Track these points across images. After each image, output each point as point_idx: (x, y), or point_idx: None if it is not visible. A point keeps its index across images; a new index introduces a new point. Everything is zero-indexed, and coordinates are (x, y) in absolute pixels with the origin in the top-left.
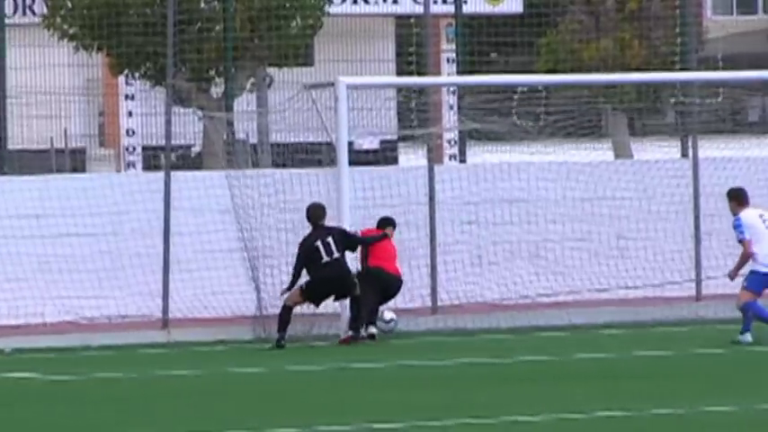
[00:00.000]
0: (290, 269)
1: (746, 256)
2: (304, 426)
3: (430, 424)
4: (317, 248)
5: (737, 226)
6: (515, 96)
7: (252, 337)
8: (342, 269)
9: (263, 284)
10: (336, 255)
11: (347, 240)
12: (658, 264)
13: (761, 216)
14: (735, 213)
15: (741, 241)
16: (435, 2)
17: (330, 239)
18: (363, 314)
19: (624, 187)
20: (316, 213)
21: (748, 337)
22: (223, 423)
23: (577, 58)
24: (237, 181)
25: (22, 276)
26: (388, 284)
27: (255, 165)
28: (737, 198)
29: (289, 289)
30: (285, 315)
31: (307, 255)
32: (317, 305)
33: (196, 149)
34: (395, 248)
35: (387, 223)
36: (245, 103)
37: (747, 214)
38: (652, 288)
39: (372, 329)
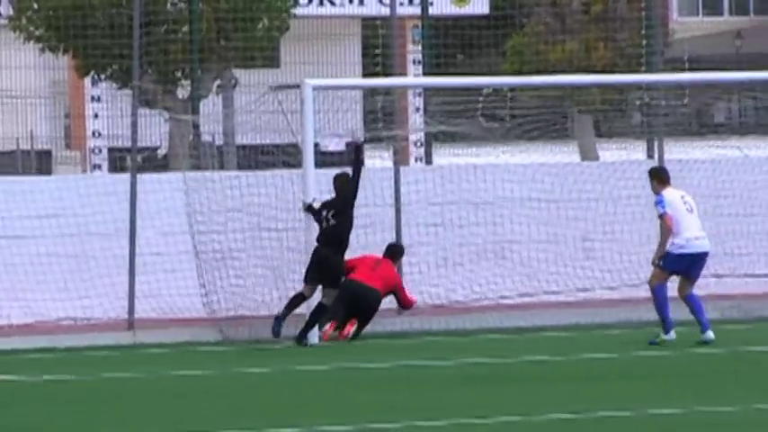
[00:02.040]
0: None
1: (668, 232)
2: (270, 426)
3: (381, 426)
4: (323, 216)
5: (659, 202)
6: (481, 98)
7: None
8: (335, 237)
9: (229, 286)
10: (333, 222)
11: (345, 198)
12: (624, 265)
13: (682, 197)
14: (656, 192)
15: (662, 216)
16: (401, 3)
17: (333, 210)
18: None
19: (590, 189)
20: (340, 181)
21: (710, 334)
22: (189, 424)
23: (543, 59)
24: (198, 183)
25: None
26: (360, 298)
27: (221, 166)
28: (659, 177)
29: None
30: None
31: (315, 215)
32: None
33: (162, 151)
34: (391, 273)
35: (394, 251)
36: (211, 104)
37: (669, 193)
38: (618, 289)
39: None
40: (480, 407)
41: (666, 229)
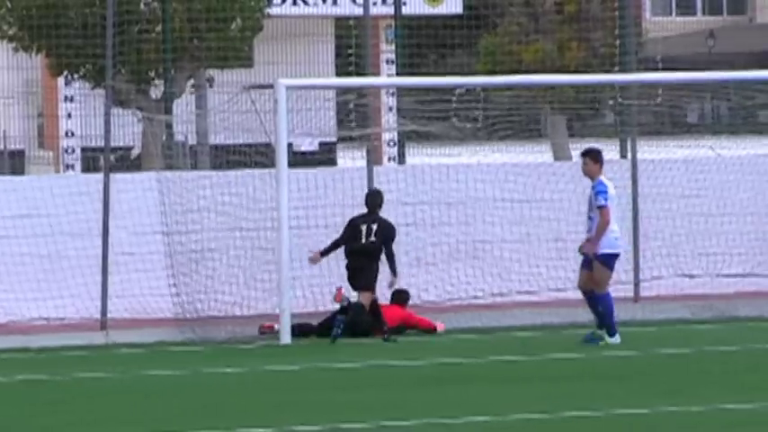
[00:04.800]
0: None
1: (606, 226)
2: (242, 426)
3: (352, 426)
4: (360, 230)
5: (602, 192)
6: (454, 98)
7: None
8: (373, 250)
9: (202, 286)
10: (373, 239)
11: (387, 232)
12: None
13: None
14: (594, 176)
15: (602, 208)
16: (375, 3)
17: (375, 226)
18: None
19: (562, 189)
20: (374, 200)
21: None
22: (161, 424)
23: (517, 59)
24: (172, 183)
25: None
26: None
27: (194, 166)
28: (600, 160)
29: (323, 253)
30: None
31: (349, 232)
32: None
33: (136, 151)
34: (395, 314)
35: (399, 297)
36: (184, 104)
37: (609, 183)
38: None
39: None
40: (450, 407)
41: (605, 223)
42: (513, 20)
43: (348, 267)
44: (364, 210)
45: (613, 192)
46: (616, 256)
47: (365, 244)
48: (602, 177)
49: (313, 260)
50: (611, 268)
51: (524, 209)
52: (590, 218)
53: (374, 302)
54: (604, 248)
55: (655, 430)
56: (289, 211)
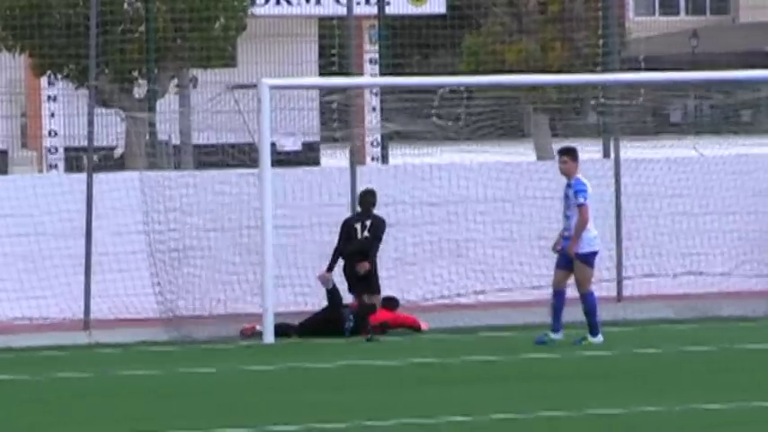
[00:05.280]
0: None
1: (585, 224)
2: (225, 426)
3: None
4: (355, 228)
5: (582, 191)
6: (437, 98)
7: (171, 338)
8: (367, 247)
9: (185, 285)
10: (366, 234)
11: (376, 228)
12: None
13: None
14: (571, 174)
15: (582, 206)
16: (358, 3)
17: (368, 223)
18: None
19: (545, 187)
20: (367, 200)
21: (559, 336)
22: (144, 423)
23: (500, 59)
24: (154, 182)
25: None
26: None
27: (178, 166)
28: (577, 158)
29: (329, 268)
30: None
31: (345, 233)
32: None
33: (119, 151)
34: (381, 316)
35: (389, 303)
36: (167, 104)
37: (587, 182)
38: (572, 288)
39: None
40: (432, 407)
41: (585, 221)
42: (497, 20)
43: (346, 271)
44: (347, 209)
45: (591, 190)
46: (596, 253)
47: (359, 240)
48: (580, 176)
49: (324, 279)
50: (591, 266)
51: (507, 208)
52: (567, 216)
53: (362, 303)
54: (584, 247)
55: (636, 430)
56: (272, 210)
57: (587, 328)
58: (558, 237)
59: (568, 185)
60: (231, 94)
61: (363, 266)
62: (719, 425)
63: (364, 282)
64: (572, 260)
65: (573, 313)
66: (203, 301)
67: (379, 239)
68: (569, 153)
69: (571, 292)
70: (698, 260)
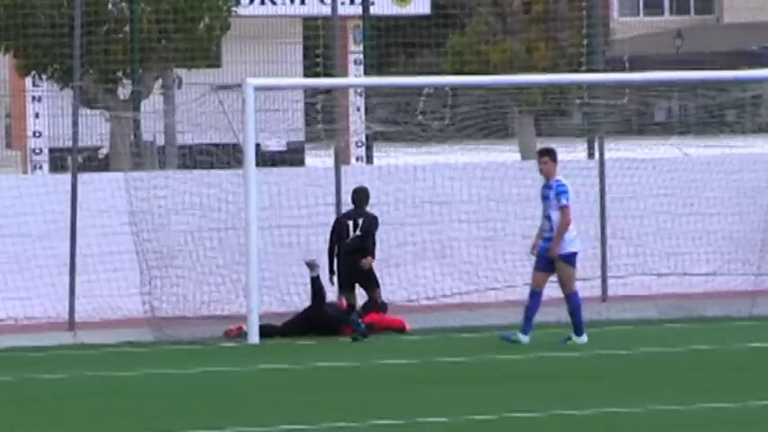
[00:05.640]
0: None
1: (567, 226)
2: (208, 428)
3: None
4: (347, 226)
5: (564, 192)
6: (422, 98)
7: (156, 339)
8: (360, 246)
9: (170, 286)
10: (359, 233)
11: (368, 224)
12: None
13: None
14: (551, 174)
15: (564, 208)
16: (343, 3)
17: (360, 221)
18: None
19: (530, 187)
20: (359, 197)
21: (525, 339)
22: (129, 424)
23: (484, 59)
24: (139, 183)
25: None
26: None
27: (162, 166)
28: (557, 159)
29: (330, 270)
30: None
31: (337, 230)
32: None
33: (104, 151)
34: (371, 316)
35: (378, 308)
36: (152, 104)
37: (567, 182)
38: (557, 288)
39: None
40: (417, 407)
41: (567, 223)
42: (481, 20)
43: (340, 270)
44: (333, 209)
45: (572, 191)
46: (576, 253)
47: (352, 239)
48: (560, 177)
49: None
50: (574, 266)
51: (492, 208)
52: (547, 217)
53: (350, 306)
54: (566, 248)
55: (618, 429)
56: (257, 211)
57: (572, 328)
58: (535, 239)
59: (548, 186)
60: (216, 95)
61: (368, 262)
62: (706, 424)
63: (365, 277)
64: (552, 262)
65: (558, 314)
66: (188, 301)
67: (372, 236)
68: (550, 154)
69: (555, 292)
70: (683, 260)
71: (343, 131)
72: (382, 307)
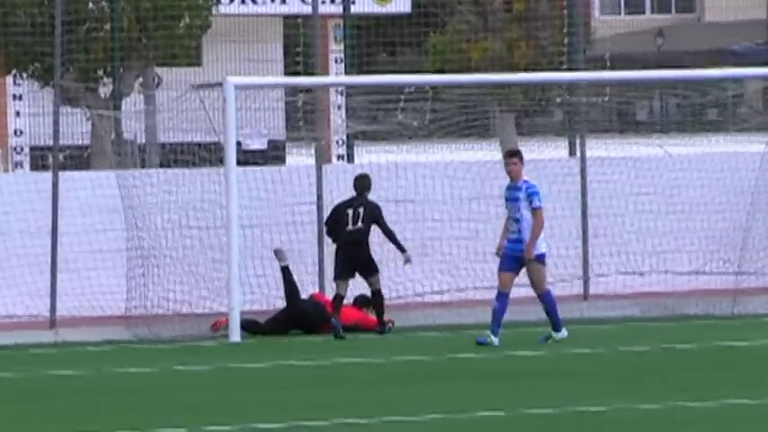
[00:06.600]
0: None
1: (541, 227)
2: (190, 425)
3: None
4: (347, 214)
5: (536, 194)
6: (403, 96)
7: (138, 337)
8: (360, 238)
9: (151, 284)
10: (360, 225)
11: (372, 214)
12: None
13: None
14: (519, 176)
15: (537, 210)
16: (323, 2)
17: (361, 210)
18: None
19: None
20: (361, 183)
21: (494, 341)
22: (110, 423)
23: (465, 58)
24: (120, 181)
25: None
26: (312, 317)
27: (143, 164)
28: (523, 160)
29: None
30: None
31: (334, 218)
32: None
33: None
34: (349, 315)
35: (362, 301)
36: (133, 103)
37: (537, 183)
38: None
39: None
40: (400, 405)
41: (541, 225)
42: (462, 18)
43: (339, 260)
44: (314, 208)
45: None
46: (545, 253)
47: (351, 231)
48: (527, 177)
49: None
50: (545, 265)
51: (473, 206)
52: (516, 219)
53: (337, 296)
54: (539, 248)
55: (603, 428)
56: (238, 209)
57: (551, 326)
58: (501, 240)
59: (516, 188)
60: (196, 93)
61: (406, 258)
62: (687, 423)
63: (366, 265)
64: (518, 262)
65: (537, 312)
66: (170, 299)
67: (382, 222)
68: (518, 155)
69: (523, 292)
70: (665, 259)
71: (323, 130)
72: (379, 295)
